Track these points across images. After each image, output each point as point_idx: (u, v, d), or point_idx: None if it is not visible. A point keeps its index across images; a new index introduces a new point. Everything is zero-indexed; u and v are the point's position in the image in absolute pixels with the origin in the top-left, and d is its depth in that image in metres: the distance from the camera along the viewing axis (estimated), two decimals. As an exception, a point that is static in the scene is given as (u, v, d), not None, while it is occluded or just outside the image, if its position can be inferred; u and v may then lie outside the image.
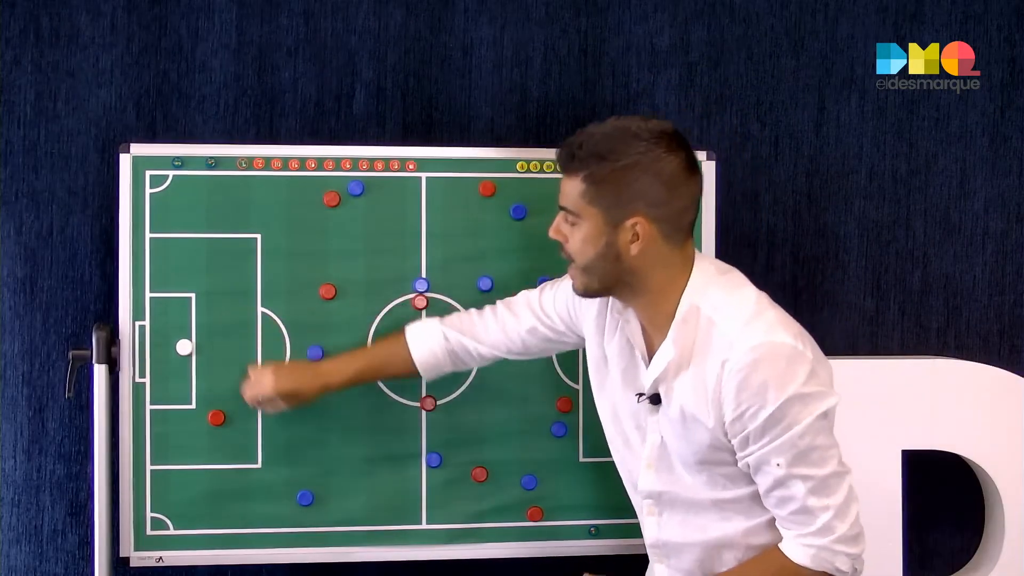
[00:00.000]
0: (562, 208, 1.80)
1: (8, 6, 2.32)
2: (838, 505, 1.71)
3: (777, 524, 1.78)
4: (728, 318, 1.74)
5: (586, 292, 1.84)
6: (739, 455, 1.75)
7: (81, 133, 2.33)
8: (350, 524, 2.20)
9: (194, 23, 2.36)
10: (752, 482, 1.78)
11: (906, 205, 2.53)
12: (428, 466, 2.22)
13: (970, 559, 2.53)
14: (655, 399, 1.83)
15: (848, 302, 2.51)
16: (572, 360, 2.25)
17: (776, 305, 1.80)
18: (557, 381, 2.25)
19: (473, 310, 2.12)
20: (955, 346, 2.54)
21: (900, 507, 2.33)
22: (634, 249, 1.74)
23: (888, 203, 2.52)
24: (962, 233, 2.54)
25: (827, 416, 1.72)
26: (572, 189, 1.76)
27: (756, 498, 1.79)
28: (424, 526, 2.22)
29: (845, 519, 1.72)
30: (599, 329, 1.95)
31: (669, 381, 1.79)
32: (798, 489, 1.71)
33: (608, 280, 1.79)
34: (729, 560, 1.84)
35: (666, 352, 1.78)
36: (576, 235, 1.78)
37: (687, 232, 1.79)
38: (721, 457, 1.78)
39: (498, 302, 2.11)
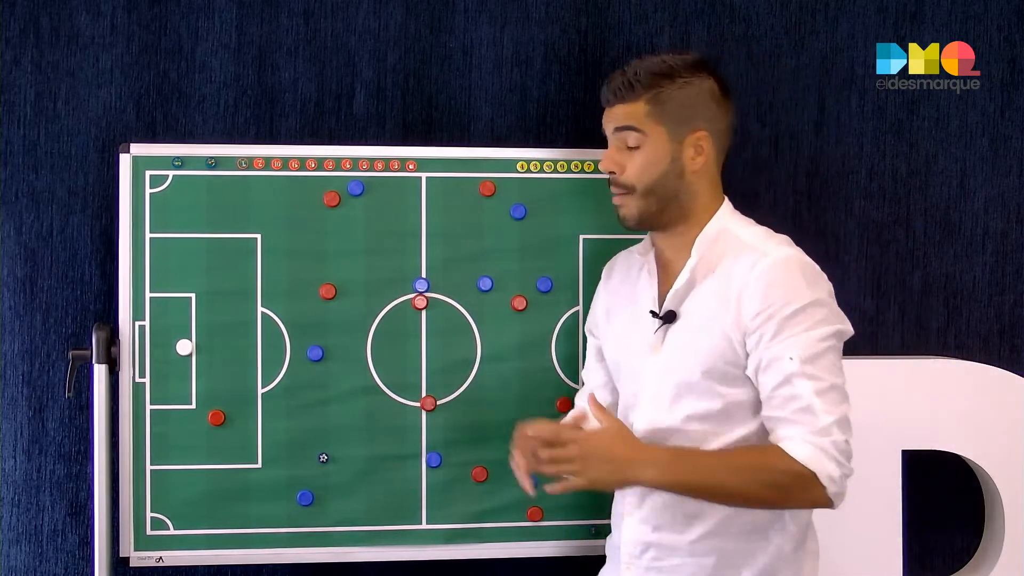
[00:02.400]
0: (625, 129, 1.86)
1: (8, 6, 2.32)
2: (840, 417, 1.71)
3: (775, 432, 1.75)
4: (757, 236, 1.85)
5: (640, 218, 1.89)
6: (752, 355, 1.76)
7: (81, 133, 2.33)
8: (350, 524, 2.20)
9: (194, 23, 2.36)
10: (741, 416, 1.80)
11: (906, 205, 2.53)
12: (428, 466, 2.22)
13: (970, 559, 2.52)
14: (670, 317, 1.85)
15: (848, 302, 2.48)
16: (572, 360, 2.25)
17: None
18: (557, 381, 2.25)
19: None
20: (955, 346, 2.53)
21: (900, 507, 2.33)
22: (698, 164, 1.86)
23: (888, 203, 2.52)
24: (962, 233, 2.54)
25: (841, 339, 1.78)
26: (636, 111, 1.85)
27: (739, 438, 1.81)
28: (424, 526, 2.22)
29: (844, 432, 1.71)
30: (605, 313, 2.05)
31: (687, 294, 1.84)
32: (806, 387, 1.71)
33: (667, 199, 1.86)
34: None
35: (691, 263, 1.85)
36: (638, 158, 1.86)
37: (725, 156, 1.92)
38: (725, 370, 1.79)
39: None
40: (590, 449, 1.71)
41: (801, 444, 1.70)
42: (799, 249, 1.83)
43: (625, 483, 1.76)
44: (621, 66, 1.91)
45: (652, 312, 1.88)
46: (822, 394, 1.71)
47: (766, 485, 1.71)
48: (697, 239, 1.86)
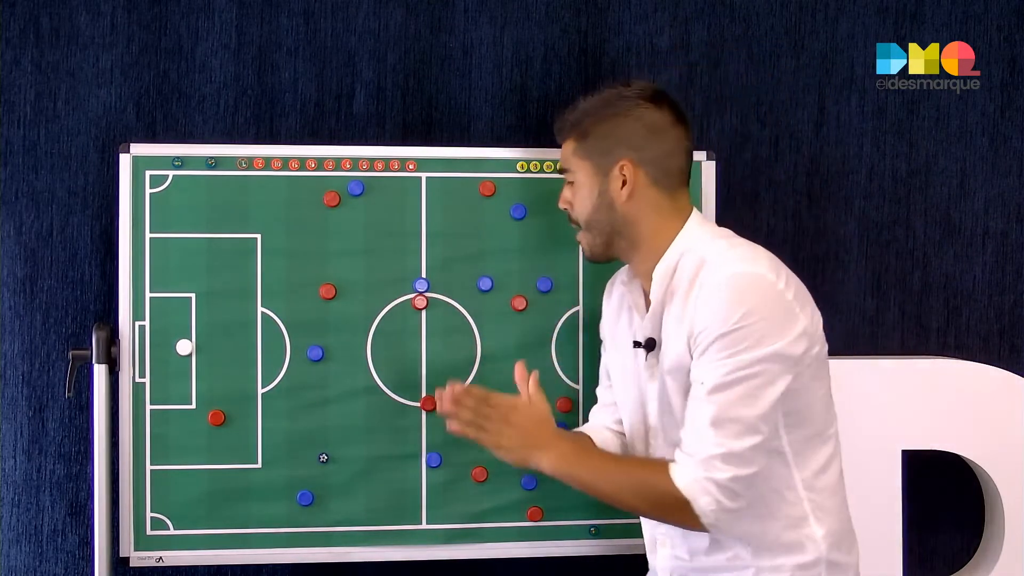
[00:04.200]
0: (563, 169, 1.92)
1: (8, 6, 2.32)
2: (729, 451, 1.66)
3: (676, 450, 1.74)
4: (718, 252, 1.78)
5: (592, 253, 1.91)
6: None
7: (81, 133, 2.34)
8: (350, 524, 2.20)
9: (194, 23, 2.36)
10: None
11: (906, 205, 2.53)
12: (428, 466, 2.22)
13: (970, 559, 2.53)
14: (651, 344, 1.85)
15: (848, 302, 2.51)
16: (572, 360, 2.25)
17: (775, 259, 1.80)
18: (557, 381, 2.25)
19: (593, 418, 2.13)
20: (955, 346, 2.53)
21: (900, 507, 2.33)
22: (624, 194, 1.83)
23: (888, 203, 2.52)
24: (962, 233, 2.54)
25: (779, 361, 1.68)
26: (566, 150, 1.90)
27: None
28: (424, 526, 2.22)
29: (731, 466, 1.67)
30: (612, 338, 2.02)
31: (660, 321, 1.82)
32: (705, 414, 1.68)
33: (606, 233, 1.86)
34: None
35: (655, 295, 1.83)
36: (575, 195, 1.89)
37: (678, 180, 1.86)
38: None
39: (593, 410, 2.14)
40: (510, 419, 1.81)
41: (683, 470, 1.70)
42: (760, 259, 1.76)
43: (525, 463, 1.82)
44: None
45: (635, 342, 1.89)
46: (718, 424, 1.67)
47: (646, 500, 1.75)
48: (655, 269, 1.83)
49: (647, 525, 1.96)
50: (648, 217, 1.84)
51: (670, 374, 1.80)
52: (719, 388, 1.68)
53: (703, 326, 1.70)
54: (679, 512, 1.71)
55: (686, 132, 1.87)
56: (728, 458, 1.67)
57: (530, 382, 1.86)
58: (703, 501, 1.68)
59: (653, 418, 1.88)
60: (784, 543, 1.77)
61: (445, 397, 1.86)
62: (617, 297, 2.01)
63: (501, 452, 1.83)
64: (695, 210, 1.88)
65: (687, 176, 1.89)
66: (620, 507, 1.81)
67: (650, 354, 1.86)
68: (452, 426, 1.85)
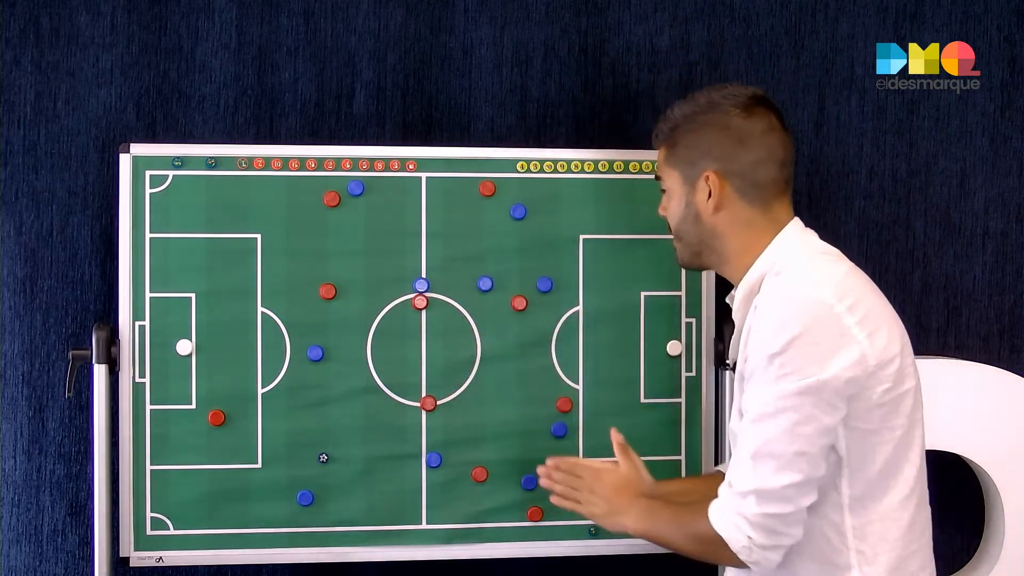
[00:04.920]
0: (656, 176, 1.88)
1: (8, 6, 2.32)
2: (763, 487, 1.59)
3: None
4: (790, 267, 1.69)
5: (682, 262, 1.88)
6: None
7: (81, 133, 2.34)
8: (350, 524, 2.20)
9: (194, 23, 2.36)
10: None
11: (906, 205, 2.53)
12: (428, 466, 2.22)
13: (970, 559, 2.53)
14: (734, 367, 1.79)
15: (848, 302, 2.50)
16: (572, 360, 2.25)
17: (855, 282, 1.68)
18: (557, 381, 2.25)
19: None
20: (955, 346, 2.53)
21: (900, 507, 2.33)
22: (710, 207, 1.76)
23: (888, 203, 2.52)
24: (962, 233, 2.54)
25: (822, 393, 1.58)
26: (660, 157, 1.85)
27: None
28: (424, 526, 2.22)
29: (764, 505, 1.59)
30: None
31: (739, 342, 1.76)
32: (745, 448, 1.62)
33: (694, 244, 1.81)
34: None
35: (736, 315, 1.78)
36: (669, 204, 1.85)
37: (771, 191, 1.76)
38: None
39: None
40: (595, 488, 1.90)
41: (718, 506, 1.66)
42: (825, 282, 1.65)
43: (612, 526, 1.87)
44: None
45: (724, 363, 1.89)
46: (757, 458, 1.60)
47: (694, 542, 1.71)
48: (737, 288, 1.77)
49: None
50: (736, 231, 1.76)
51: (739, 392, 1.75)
52: (760, 419, 1.61)
53: (752, 350, 1.64)
54: (720, 549, 1.65)
55: (781, 140, 1.78)
56: (762, 495, 1.60)
57: (615, 446, 1.94)
58: (736, 536, 1.62)
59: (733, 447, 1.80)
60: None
61: (541, 472, 2.00)
62: None
63: (591, 518, 1.93)
64: (794, 222, 1.78)
65: (784, 186, 1.78)
66: (683, 554, 1.76)
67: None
68: (553, 499, 1.98)
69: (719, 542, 1.64)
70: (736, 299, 1.78)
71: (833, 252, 1.77)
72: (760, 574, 1.71)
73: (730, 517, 1.63)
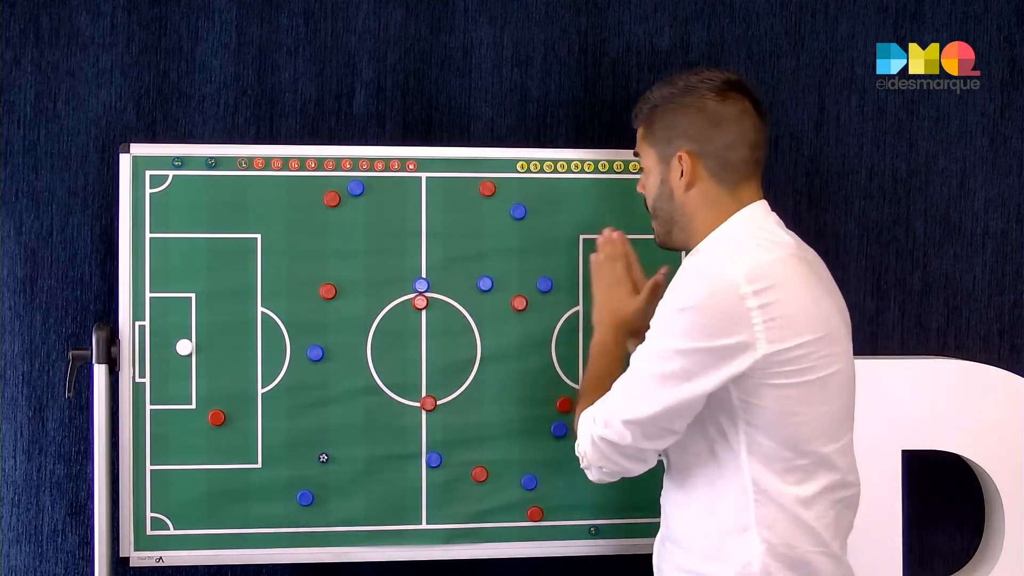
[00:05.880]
0: (635, 154, 1.95)
1: (8, 6, 2.32)
2: (612, 419, 1.74)
3: None
4: (725, 245, 1.78)
5: (658, 240, 1.94)
6: None
7: (81, 133, 2.33)
8: (350, 524, 2.20)
9: (194, 23, 2.36)
10: (707, 445, 1.77)
11: (906, 205, 2.53)
12: (428, 466, 2.22)
13: (970, 559, 2.53)
14: None
15: (848, 302, 2.48)
16: (572, 360, 2.25)
17: (785, 268, 1.73)
18: (557, 381, 2.25)
19: None
20: (955, 346, 2.53)
21: (900, 507, 2.33)
22: (683, 185, 1.83)
23: (888, 203, 2.52)
24: (962, 233, 2.54)
25: (703, 356, 1.68)
26: (639, 136, 1.93)
27: (712, 464, 1.77)
28: (424, 526, 2.22)
29: (606, 431, 1.75)
30: None
31: None
32: (622, 375, 1.79)
33: (668, 222, 1.89)
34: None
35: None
36: (646, 182, 1.92)
37: (741, 173, 1.83)
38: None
39: None
40: (598, 276, 2.09)
41: (587, 413, 1.82)
42: (744, 261, 1.70)
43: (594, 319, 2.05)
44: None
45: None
46: (619, 388, 1.76)
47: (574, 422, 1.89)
48: (684, 261, 1.85)
49: None
50: (704, 210, 1.83)
51: None
52: (638, 359, 1.75)
53: (658, 305, 1.76)
54: (574, 444, 1.86)
55: (754, 124, 1.83)
56: (607, 422, 1.75)
57: (651, 283, 2.05)
58: (579, 440, 1.82)
59: None
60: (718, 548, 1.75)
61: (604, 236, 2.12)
62: None
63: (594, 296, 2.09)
64: (758, 203, 1.84)
65: (755, 168, 1.84)
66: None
67: None
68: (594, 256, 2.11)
69: (574, 437, 1.85)
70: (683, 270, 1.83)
71: (781, 239, 1.80)
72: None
73: (585, 425, 1.81)
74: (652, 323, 1.76)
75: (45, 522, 2.36)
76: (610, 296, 2.05)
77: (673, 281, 1.77)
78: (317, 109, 2.39)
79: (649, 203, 1.92)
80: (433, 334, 2.23)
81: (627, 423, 1.73)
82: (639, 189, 1.97)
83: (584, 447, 1.80)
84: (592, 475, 1.83)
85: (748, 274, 1.68)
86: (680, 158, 1.82)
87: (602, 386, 1.84)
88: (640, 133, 1.92)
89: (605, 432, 1.75)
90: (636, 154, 1.95)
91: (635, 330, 1.99)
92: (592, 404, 1.82)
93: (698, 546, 1.77)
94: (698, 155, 1.82)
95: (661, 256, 2.05)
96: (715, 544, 1.75)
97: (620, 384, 1.77)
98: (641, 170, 1.94)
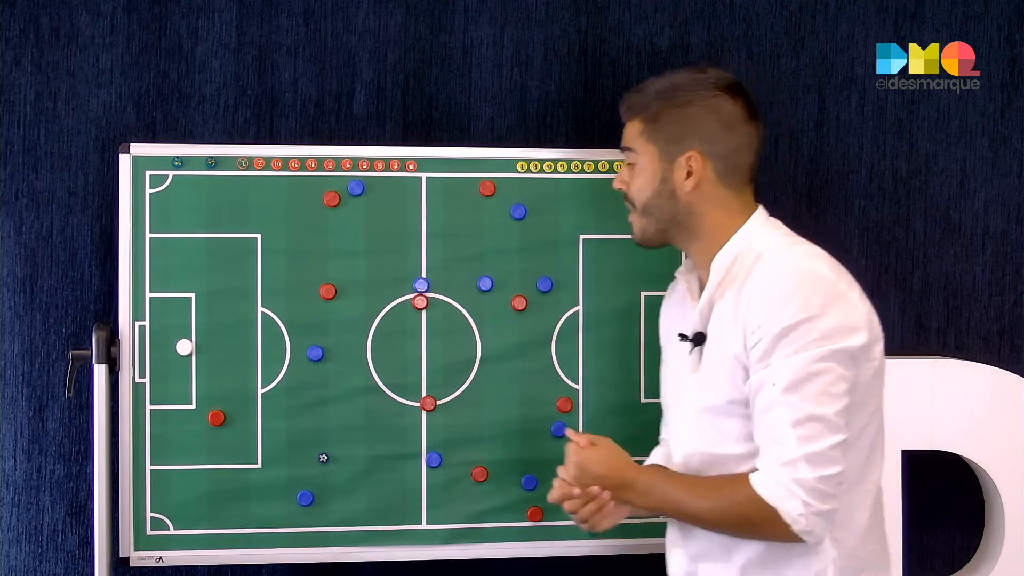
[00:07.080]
0: (625, 148, 1.87)
1: (8, 6, 2.32)
2: (812, 452, 1.61)
3: (756, 461, 1.70)
4: (775, 248, 1.75)
5: (644, 236, 1.87)
6: (750, 375, 1.69)
7: (81, 133, 2.34)
8: (350, 524, 2.20)
9: (194, 23, 2.36)
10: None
11: (906, 205, 2.53)
12: (428, 466, 2.22)
13: (970, 559, 2.53)
14: (699, 339, 1.80)
15: (848, 302, 2.50)
16: (572, 360, 2.25)
17: (836, 261, 1.76)
18: (557, 381, 2.25)
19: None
20: (955, 346, 2.53)
21: (900, 507, 2.33)
22: (688, 185, 1.79)
23: (888, 203, 2.52)
24: (962, 233, 2.54)
25: (845, 357, 1.65)
26: (632, 130, 1.85)
27: None
28: (424, 526, 2.22)
29: (816, 467, 1.61)
30: (664, 337, 2.00)
31: (709, 314, 1.78)
32: (783, 417, 1.63)
33: (664, 220, 1.83)
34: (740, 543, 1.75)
35: (709, 287, 1.79)
36: (635, 177, 1.85)
37: (744, 177, 1.83)
38: (746, 395, 1.72)
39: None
40: (583, 462, 1.81)
41: (765, 478, 1.65)
42: (816, 256, 1.74)
43: (619, 500, 1.81)
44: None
45: (681, 335, 1.85)
46: (799, 425, 1.62)
47: (732, 517, 1.69)
48: (715, 259, 1.79)
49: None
50: (709, 210, 1.80)
51: (714, 371, 1.76)
52: (795, 386, 1.63)
53: (760, 323, 1.66)
54: (770, 524, 1.65)
55: (758, 129, 1.83)
56: (814, 458, 1.62)
57: (568, 432, 1.88)
58: (790, 505, 1.62)
59: (691, 415, 1.82)
60: (801, 554, 1.71)
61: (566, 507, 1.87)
62: (677, 292, 1.97)
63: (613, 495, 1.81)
64: (761, 207, 1.84)
65: (752, 174, 1.84)
66: (712, 530, 1.75)
67: (695, 348, 1.81)
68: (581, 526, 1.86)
69: (768, 514, 1.64)
70: (714, 269, 1.79)
71: (795, 235, 1.83)
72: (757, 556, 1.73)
73: (782, 486, 1.63)
74: (773, 351, 1.65)
75: (45, 522, 2.36)
76: (604, 470, 1.82)
77: (753, 301, 1.68)
78: (317, 109, 2.39)
79: (639, 200, 1.84)
80: (433, 334, 2.23)
81: (833, 448, 1.62)
82: (618, 185, 1.89)
83: (798, 504, 1.62)
84: (817, 532, 1.65)
85: (832, 269, 1.72)
86: (690, 158, 1.79)
87: (703, 483, 1.74)
88: (636, 127, 1.85)
89: (821, 471, 1.62)
90: (625, 148, 1.87)
91: (616, 462, 1.83)
92: (743, 473, 1.69)
93: (776, 556, 1.72)
94: (708, 156, 1.79)
95: (668, 256, 2.05)
96: (796, 554, 1.70)
97: (792, 423, 1.62)
98: (628, 164, 1.87)
